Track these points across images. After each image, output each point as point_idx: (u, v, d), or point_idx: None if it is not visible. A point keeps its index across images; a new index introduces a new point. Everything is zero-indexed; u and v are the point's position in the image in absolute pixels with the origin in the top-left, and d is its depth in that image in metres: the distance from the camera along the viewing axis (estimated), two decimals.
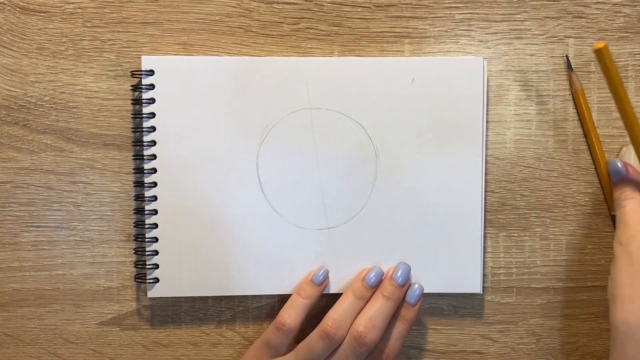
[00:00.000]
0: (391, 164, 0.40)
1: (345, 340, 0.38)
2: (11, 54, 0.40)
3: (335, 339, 0.38)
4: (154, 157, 0.40)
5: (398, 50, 0.41)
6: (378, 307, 0.38)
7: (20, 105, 0.40)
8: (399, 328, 0.39)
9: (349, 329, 0.38)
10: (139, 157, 0.40)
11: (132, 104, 0.40)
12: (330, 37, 0.41)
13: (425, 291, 0.40)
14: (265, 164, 0.40)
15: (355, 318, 0.38)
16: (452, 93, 0.40)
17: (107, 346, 0.42)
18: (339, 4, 0.41)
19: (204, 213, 0.40)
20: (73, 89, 0.40)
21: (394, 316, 0.40)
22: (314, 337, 0.38)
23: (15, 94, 0.40)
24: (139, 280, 0.41)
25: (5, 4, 0.40)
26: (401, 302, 0.40)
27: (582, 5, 0.41)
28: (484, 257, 0.42)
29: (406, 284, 0.40)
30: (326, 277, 0.40)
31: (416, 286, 0.40)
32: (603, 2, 0.41)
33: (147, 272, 0.40)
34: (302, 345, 0.38)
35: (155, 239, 0.40)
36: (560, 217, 0.42)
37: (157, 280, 0.40)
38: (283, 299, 0.40)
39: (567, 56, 0.41)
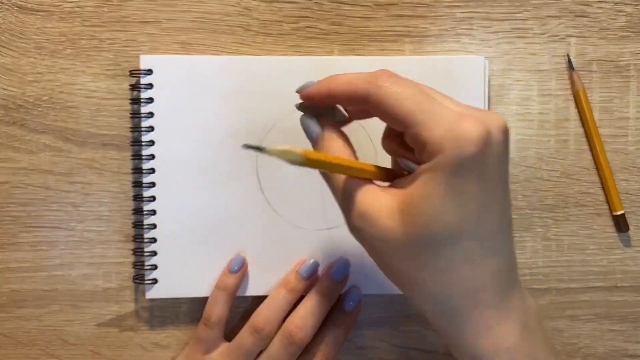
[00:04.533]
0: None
1: (276, 338, 0.38)
2: (9, 53, 0.40)
3: (264, 334, 0.37)
4: (152, 157, 0.39)
5: (399, 49, 0.41)
6: (311, 305, 0.38)
7: (19, 105, 0.40)
8: (336, 334, 0.39)
9: (281, 325, 0.38)
10: (137, 157, 0.40)
11: (130, 103, 0.40)
12: (331, 36, 0.41)
13: None
14: (264, 164, 0.40)
15: (287, 313, 0.38)
16: (454, 92, 0.39)
17: (105, 347, 0.42)
18: (339, 3, 0.41)
19: (202, 213, 0.40)
20: (71, 89, 0.40)
21: (332, 321, 0.39)
22: (243, 332, 0.38)
23: (14, 94, 0.40)
24: (138, 281, 0.41)
25: (3, 3, 0.40)
26: (340, 303, 0.39)
27: (584, 4, 0.41)
28: None
29: (344, 280, 0.39)
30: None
31: (354, 291, 0.40)
32: (605, 1, 0.41)
33: (146, 273, 0.40)
34: (233, 341, 0.38)
35: (154, 240, 0.40)
36: (562, 217, 0.42)
37: (155, 281, 0.40)
38: None
39: (568, 55, 0.41)
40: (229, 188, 0.40)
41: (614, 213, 0.42)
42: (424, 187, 0.25)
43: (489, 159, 0.25)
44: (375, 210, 0.27)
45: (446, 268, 0.26)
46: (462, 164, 0.25)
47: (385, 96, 0.27)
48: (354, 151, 0.30)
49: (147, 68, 0.39)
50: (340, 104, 0.30)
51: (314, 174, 0.40)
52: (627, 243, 0.42)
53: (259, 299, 0.41)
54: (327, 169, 0.28)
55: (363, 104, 0.28)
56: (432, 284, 0.27)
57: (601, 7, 0.41)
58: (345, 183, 0.28)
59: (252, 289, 0.40)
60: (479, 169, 0.25)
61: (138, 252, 0.40)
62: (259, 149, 0.26)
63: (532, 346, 0.27)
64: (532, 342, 0.27)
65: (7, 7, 0.40)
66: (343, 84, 0.28)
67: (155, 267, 0.40)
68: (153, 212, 0.40)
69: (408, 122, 0.26)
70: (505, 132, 0.27)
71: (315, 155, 0.27)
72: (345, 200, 0.28)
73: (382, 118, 0.28)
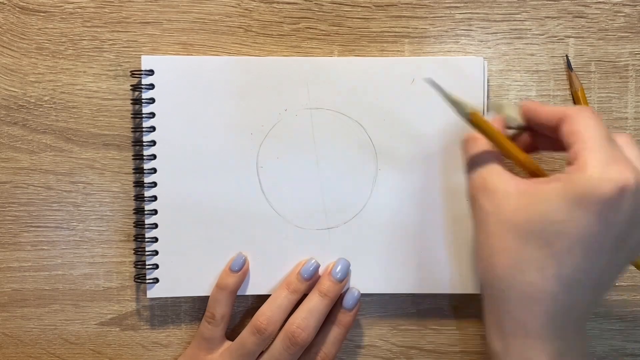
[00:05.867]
0: (391, 164, 0.40)
1: (278, 338, 0.38)
2: (11, 53, 0.40)
3: (266, 334, 0.38)
4: (153, 157, 0.39)
5: (398, 50, 0.41)
6: (313, 305, 0.38)
7: (20, 105, 0.40)
8: (335, 332, 0.40)
9: (283, 325, 0.38)
10: (138, 157, 0.40)
11: (131, 103, 0.40)
12: (330, 37, 0.41)
13: (425, 291, 0.40)
14: (265, 164, 0.40)
15: (289, 314, 0.38)
16: (453, 93, 0.40)
17: (106, 346, 0.42)
18: (339, 4, 0.41)
19: (203, 213, 0.40)
20: (72, 89, 0.40)
21: (331, 320, 0.40)
22: (246, 332, 0.38)
23: (15, 94, 0.40)
24: (139, 280, 0.41)
25: (4, 4, 0.40)
26: (339, 304, 0.40)
27: (583, 5, 0.41)
28: None
29: (344, 280, 0.39)
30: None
31: (353, 290, 0.40)
32: (603, 2, 0.41)
33: (147, 272, 0.40)
34: (235, 341, 0.39)
35: (155, 239, 0.40)
36: None
37: (156, 280, 0.40)
38: None
39: (567, 56, 0.41)
40: (229, 188, 0.40)
41: None
42: (551, 189, 0.28)
43: (619, 207, 0.27)
44: (494, 186, 0.31)
45: (514, 264, 0.29)
46: (589, 192, 0.27)
47: (583, 118, 0.30)
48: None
49: (148, 68, 0.39)
50: (536, 124, 0.33)
51: (315, 175, 0.40)
52: None
53: (260, 299, 0.41)
54: (484, 134, 0.32)
55: (553, 125, 0.31)
56: (499, 268, 0.30)
57: (599, 8, 0.41)
58: (480, 153, 0.32)
59: (253, 288, 0.41)
60: (601, 207, 0.27)
61: (139, 251, 0.41)
62: (438, 88, 0.32)
63: None
64: None
65: (8, 7, 0.40)
66: (546, 107, 0.32)
67: (156, 266, 0.40)
68: (154, 212, 0.40)
69: (583, 145, 0.29)
70: None
71: (480, 120, 0.32)
72: (472, 167, 0.32)
73: (555, 134, 0.31)
